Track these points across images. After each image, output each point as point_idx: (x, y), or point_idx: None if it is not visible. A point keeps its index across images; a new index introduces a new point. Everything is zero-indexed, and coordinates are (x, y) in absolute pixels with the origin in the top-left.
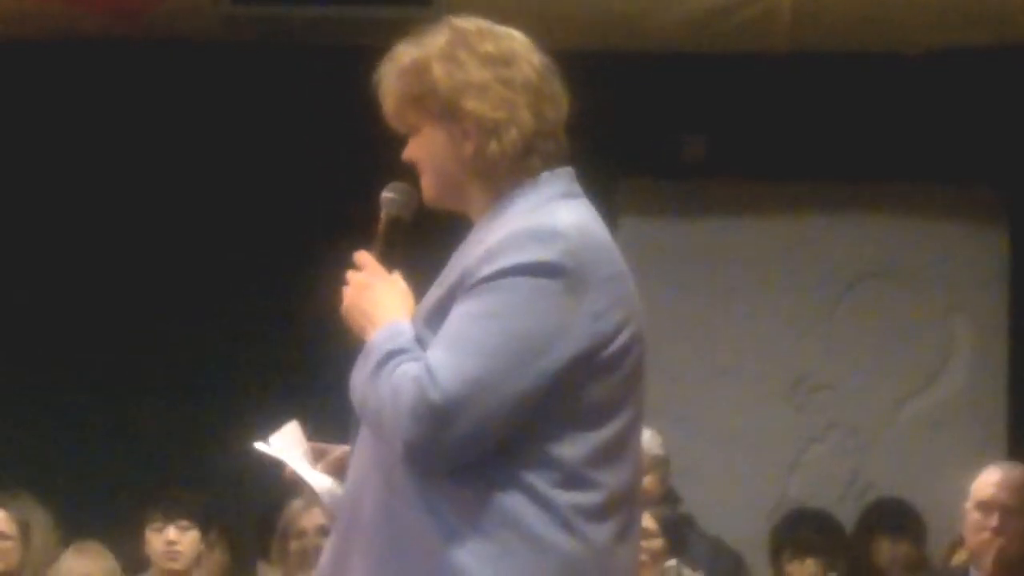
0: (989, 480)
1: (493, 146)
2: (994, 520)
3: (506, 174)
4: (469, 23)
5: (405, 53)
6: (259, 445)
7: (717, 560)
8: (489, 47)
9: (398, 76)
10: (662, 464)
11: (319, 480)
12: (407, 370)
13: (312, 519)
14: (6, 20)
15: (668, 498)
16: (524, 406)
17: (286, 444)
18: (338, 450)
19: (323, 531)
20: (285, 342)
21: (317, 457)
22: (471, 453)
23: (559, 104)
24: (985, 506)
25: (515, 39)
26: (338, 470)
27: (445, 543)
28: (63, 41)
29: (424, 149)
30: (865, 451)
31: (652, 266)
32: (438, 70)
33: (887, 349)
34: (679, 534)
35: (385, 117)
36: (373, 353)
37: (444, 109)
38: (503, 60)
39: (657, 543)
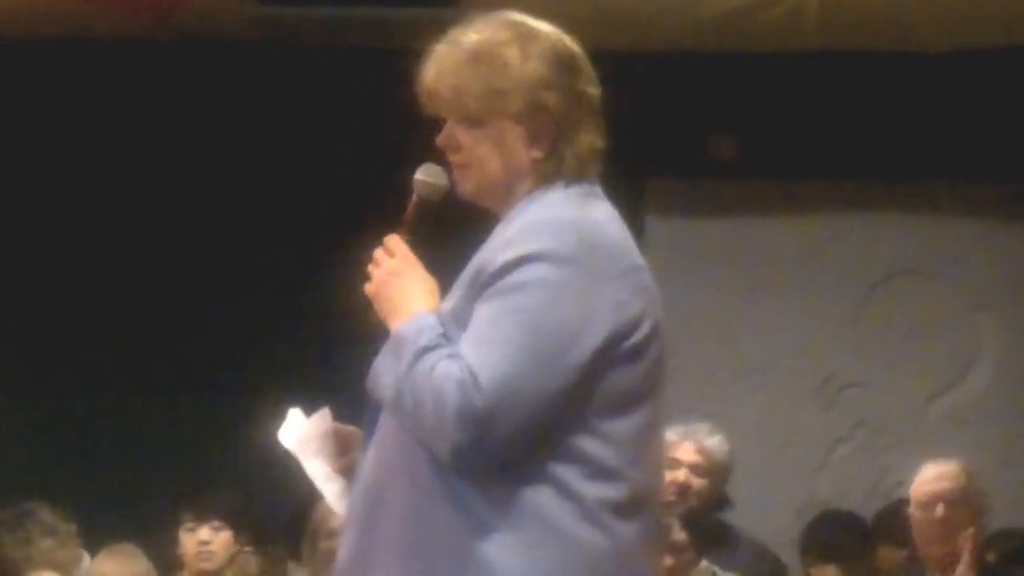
0: (925, 479)
1: (568, 153)
2: (938, 513)
3: (566, 176)
4: (528, 20)
5: (472, 37)
6: (281, 436)
7: (759, 565)
8: (563, 49)
9: (468, 63)
10: (723, 471)
11: (330, 489)
12: (447, 371)
13: (342, 520)
14: (33, 20)
15: (720, 502)
16: (559, 400)
17: (308, 437)
18: (359, 447)
19: None
20: (310, 339)
21: (341, 446)
22: (514, 451)
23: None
24: (926, 504)
25: (575, 45)
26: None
27: (474, 538)
28: (90, 41)
29: (487, 142)
30: (893, 449)
31: (679, 265)
32: (527, 67)
33: (915, 347)
34: (722, 537)
35: (426, 99)
36: (404, 347)
37: (525, 107)
38: (575, 67)
39: (688, 555)
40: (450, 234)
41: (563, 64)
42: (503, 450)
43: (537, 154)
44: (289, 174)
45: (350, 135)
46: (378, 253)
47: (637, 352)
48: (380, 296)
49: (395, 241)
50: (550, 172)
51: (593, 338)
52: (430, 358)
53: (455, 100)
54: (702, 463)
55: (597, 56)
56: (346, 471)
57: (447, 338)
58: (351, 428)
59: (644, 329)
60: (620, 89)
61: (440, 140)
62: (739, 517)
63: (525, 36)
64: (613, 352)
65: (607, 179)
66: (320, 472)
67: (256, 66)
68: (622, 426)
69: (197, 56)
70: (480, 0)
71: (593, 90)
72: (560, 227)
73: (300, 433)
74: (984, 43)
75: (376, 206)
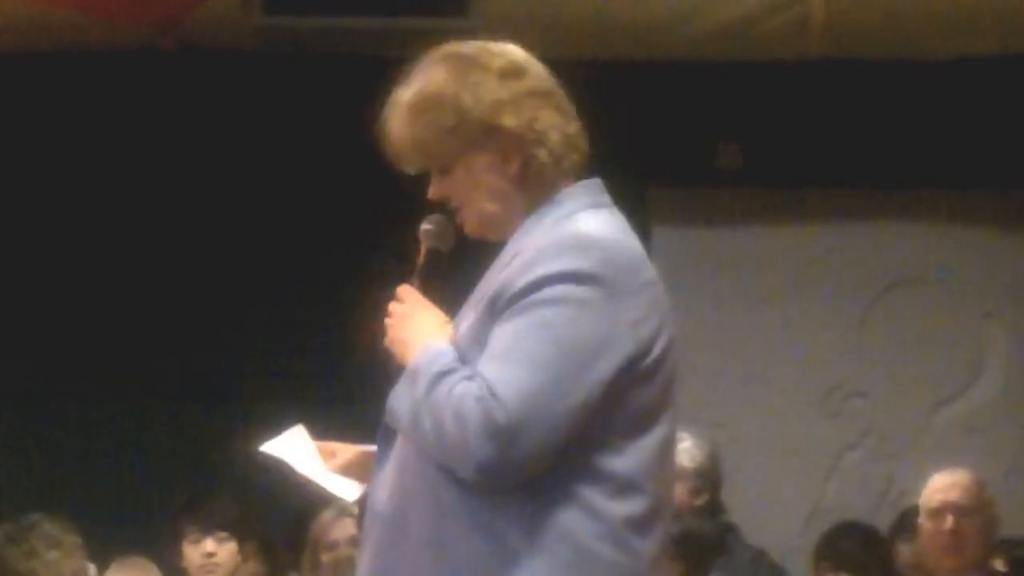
0: (936, 487)
1: (542, 154)
2: (948, 523)
3: (551, 178)
4: (463, 47)
5: (408, 93)
6: (264, 448)
7: (757, 572)
8: (499, 62)
9: (414, 117)
10: (699, 478)
11: (331, 481)
12: (467, 391)
13: (343, 530)
14: (40, 32)
15: (712, 509)
16: (582, 417)
17: (292, 447)
18: (349, 451)
19: (354, 542)
20: (313, 350)
21: (327, 458)
22: (537, 468)
23: (570, 103)
24: (936, 513)
25: (514, 51)
26: (350, 471)
27: (498, 560)
28: (95, 53)
29: (463, 182)
30: (900, 458)
31: (685, 275)
32: (465, 97)
33: (921, 356)
34: (722, 544)
35: (397, 161)
36: (420, 375)
37: (481, 133)
38: (517, 72)
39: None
40: (461, 277)
41: (505, 75)
42: (528, 465)
43: (513, 168)
44: (293, 184)
45: (354, 146)
46: (392, 306)
47: (654, 369)
48: (395, 341)
49: (406, 291)
50: (532, 179)
51: (614, 356)
52: (447, 382)
53: (419, 155)
54: None
55: (601, 66)
56: (341, 471)
57: (463, 362)
58: (332, 443)
59: (660, 345)
60: (624, 98)
61: (431, 195)
62: (745, 525)
63: (460, 65)
64: (633, 370)
65: (611, 188)
66: (315, 470)
67: (261, 76)
68: (642, 442)
69: (201, 66)
70: (488, 9)
71: (544, 83)
72: (583, 245)
73: (283, 444)
74: (989, 51)
75: (380, 218)
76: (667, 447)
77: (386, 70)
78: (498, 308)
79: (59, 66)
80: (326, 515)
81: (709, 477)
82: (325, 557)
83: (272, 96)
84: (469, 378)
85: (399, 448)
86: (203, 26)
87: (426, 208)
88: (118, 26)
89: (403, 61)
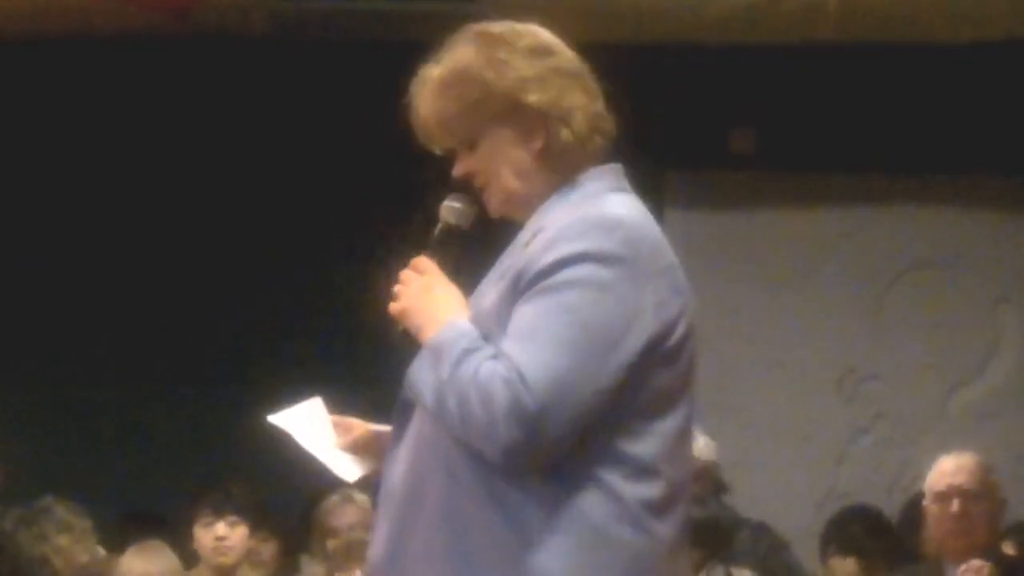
0: (943, 470)
1: (565, 133)
2: (955, 507)
3: (575, 159)
4: (492, 26)
5: (436, 70)
6: (272, 418)
7: (758, 544)
8: (527, 41)
9: (440, 92)
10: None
11: (333, 458)
12: (492, 371)
13: (344, 517)
14: (53, 17)
15: (716, 489)
16: (606, 400)
17: (302, 420)
18: (362, 428)
19: (358, 527)
20: (326, 333)
21: (342, 432)
22: (563, 451)
23: (597, 85)
24: (943, 496)
25: (543, 32)
26: (362, 448)
27: (514, 537)
28: (111, 37)
29: (488, 156)
30: (913, 442)
31: (700, 259)
32: (488, 72)
33: (935, 340)
34: (723, 525)
35: (425, 139)
36: (444, 353)
37: (505, 108)
38: (544, 51)
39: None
40: (476, 258)
41: (532, 53)
42: (554, 448)
43: (537, 145)
44: (301, 168)
45: (365, 131)
46: (405, 274)
47: (676, 352)
48: (411, 310)
49: (424, 262)
50: (555, 157)
51: (637, 338)
52: (472, 360)
53: (446, 131)
54: None
55: (617, 49)
56: (350, 449)
57: (487, 340)
58: (350, 418)
59: (681, 329)
60: (640, 82)
61: (456, 173)
62: (758, 509)
63: (488, 43)
64: (654, 353)
65: (627, 172)
66: (320, 446)
67: (275, 61)
68: (661, 425)
69: (215, 50)
70: None
71: (571, 64)
72: (607, 225)
73: (293, 416)
74: (1006, 35)
75: (386, 203)
76: (685, 433)
77: (396, 54)
78: (521, 287)
79: (71, 51)
80: (329, 501)
81: (712, 470)
82: (330, 544)
83: (284, 80)
84: (495, 358)
85: (415, 423)
86: (217, 11)
87: (430, 192)
88: (133, 10)
89: (413, 45)
